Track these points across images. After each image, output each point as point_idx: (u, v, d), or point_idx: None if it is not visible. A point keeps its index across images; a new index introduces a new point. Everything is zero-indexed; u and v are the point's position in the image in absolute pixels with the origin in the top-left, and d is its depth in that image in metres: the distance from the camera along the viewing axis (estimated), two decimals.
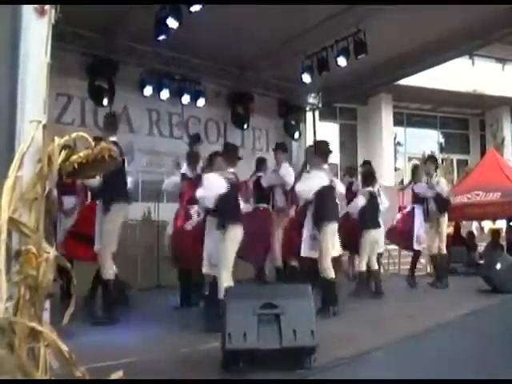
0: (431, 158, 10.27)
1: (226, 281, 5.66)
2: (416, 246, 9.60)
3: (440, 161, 21.68)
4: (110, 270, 6.30)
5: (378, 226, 8.56)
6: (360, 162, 12.69)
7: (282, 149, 8.87)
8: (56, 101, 9.05)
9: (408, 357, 5.02)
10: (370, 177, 8.91)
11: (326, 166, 6.94)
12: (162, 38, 8.48)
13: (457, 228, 13.65)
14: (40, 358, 2.80)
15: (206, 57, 10.64)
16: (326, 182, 6.72)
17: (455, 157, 23.23)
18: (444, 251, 9.33)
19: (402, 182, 21.39)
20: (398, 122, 21.71)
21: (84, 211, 7.27)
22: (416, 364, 4.87)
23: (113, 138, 6.35)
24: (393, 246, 11.13)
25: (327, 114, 17.95)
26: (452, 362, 5.20)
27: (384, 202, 8.82)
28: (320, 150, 7.00)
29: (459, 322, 6.17)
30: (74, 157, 3.05)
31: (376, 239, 8.57)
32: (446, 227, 9.53)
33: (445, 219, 9.37)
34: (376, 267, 8.63)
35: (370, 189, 8.65)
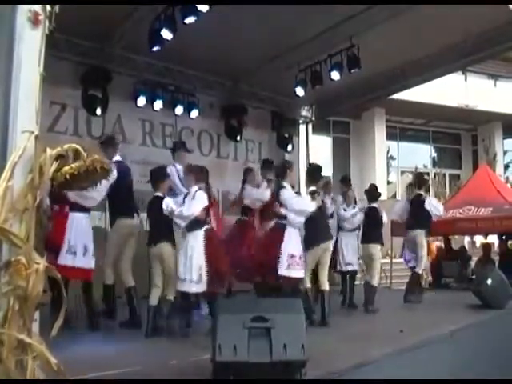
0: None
1: None
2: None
3: (432, 175, 21.91)
4: None
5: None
6: (353, 175, 12.69)
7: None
8: (49, 109, 8.99)
9: (399, 371, 5.01)
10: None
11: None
12: (156, 48, 8.47)
13: (447, 242, 13.71)
14: (28, 369, 2.78)
15: (199, 68, 10.68)
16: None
17: (447, 171, 23.43)
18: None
19: (394, 195, 21.51)
20: (390, 136, 21.86)
21: None
22: (407, 378, 4.85)
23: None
24: (384, 260, 11.08)
25: (320, 127, 18.01)
26: (443, 377, 5.21)
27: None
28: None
29: (450, 337, 6.17)
30: (66, 168, 3.04)
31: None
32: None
33: None
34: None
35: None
